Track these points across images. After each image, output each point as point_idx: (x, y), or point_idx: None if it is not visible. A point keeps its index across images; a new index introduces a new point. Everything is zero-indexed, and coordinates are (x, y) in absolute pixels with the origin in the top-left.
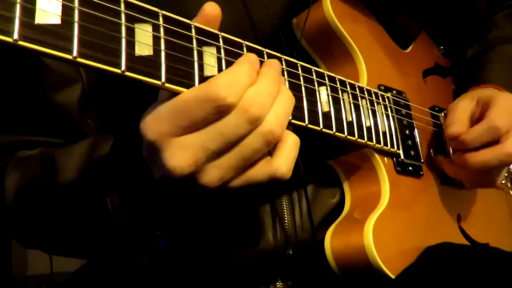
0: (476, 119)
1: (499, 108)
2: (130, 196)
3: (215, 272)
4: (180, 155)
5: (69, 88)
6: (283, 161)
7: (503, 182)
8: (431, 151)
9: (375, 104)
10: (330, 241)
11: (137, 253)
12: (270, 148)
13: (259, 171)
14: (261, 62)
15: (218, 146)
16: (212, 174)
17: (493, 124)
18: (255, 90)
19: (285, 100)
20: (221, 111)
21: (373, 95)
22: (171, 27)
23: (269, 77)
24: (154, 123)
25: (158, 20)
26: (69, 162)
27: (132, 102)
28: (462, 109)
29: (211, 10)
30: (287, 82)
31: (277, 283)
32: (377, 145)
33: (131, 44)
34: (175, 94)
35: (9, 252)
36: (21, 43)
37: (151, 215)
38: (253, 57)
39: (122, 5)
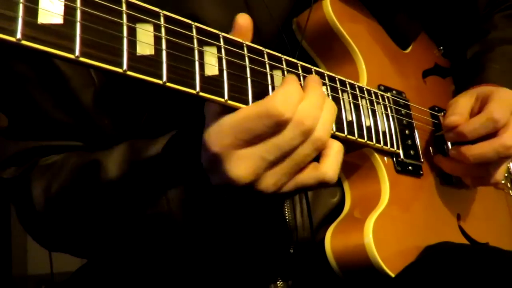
0: (475, 114)
1: (498, 101)
2: (187, 197)
3: (215, 270)
4: (242, 166)
5: (85, 90)
6: (330, 166)
7: (502, 182)
8: (431, 151)
9: (375, 104)
10: (331, 240)
11: (188, 249)
12: (318, 153)
13: (309, 176)
14: (263, 63)
15: (276, 157)
16: (268, 181)
17: (491, 116)
18: (306, 105)
19: (330, 109)
20: (279, 125)
21: (373, 95)
22: (172, 27)
23: (316, 91)
24: (218, 137)
25: (159, 20)
26: (111, 166)
27: (141, 100)
28: (462, 103)
29: (243, 21)
30: None
31: (278, 282)
32: (377, 144)
33: (132, 44)
34: (227, 108)
35: (9, 252)
36: (24, 42)
37: (203, 215)
38: (295, 76)
39: (124, 5)
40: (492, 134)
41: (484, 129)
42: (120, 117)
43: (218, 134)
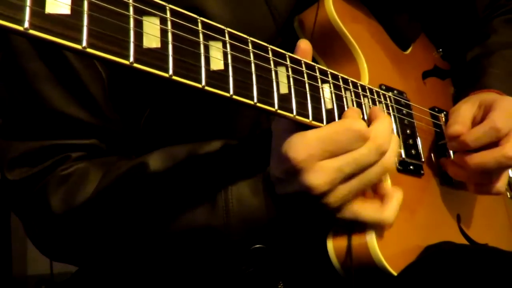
0: (477, 123)
1: (501, 110)
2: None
3: (216, 272)
4: (321, 175)
5: (95, 84)
6: (391, 213)
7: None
8: (431, 151)
9: (377, 102)
10: (332, 239)
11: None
12: (381, 178)
13: (369, 212)
14: (267, 59)
15: (351, 170)
16: (337, 195)
17: (494, 125)
18: (378, 126)
19: (396, 142)
20: (362, 139)
21: (374, 93)
22: (178, 21)
23: (386, 118)
24: (304, 147)
25: (165, 13)
26: (157, 168)
27: (143, 96)
28: (464, 111)
29: (305, 46)
30: (291, 79)
31: (279, 286)
32: None
33: (139, 36)
34: (300, 125)
35: (9, 252)
36: (31, 32)
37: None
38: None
39: None
40: (494, 143)
41: (486, 138)
42: (124, 112)
43: (305, 145)
